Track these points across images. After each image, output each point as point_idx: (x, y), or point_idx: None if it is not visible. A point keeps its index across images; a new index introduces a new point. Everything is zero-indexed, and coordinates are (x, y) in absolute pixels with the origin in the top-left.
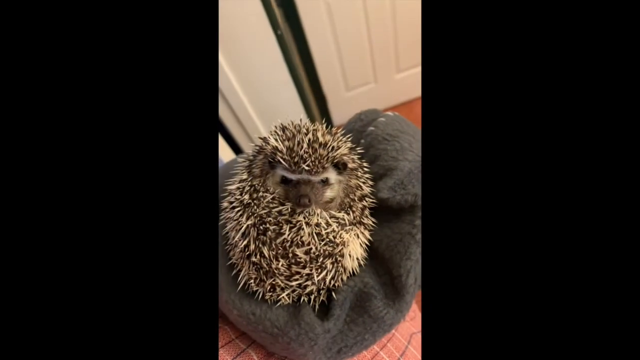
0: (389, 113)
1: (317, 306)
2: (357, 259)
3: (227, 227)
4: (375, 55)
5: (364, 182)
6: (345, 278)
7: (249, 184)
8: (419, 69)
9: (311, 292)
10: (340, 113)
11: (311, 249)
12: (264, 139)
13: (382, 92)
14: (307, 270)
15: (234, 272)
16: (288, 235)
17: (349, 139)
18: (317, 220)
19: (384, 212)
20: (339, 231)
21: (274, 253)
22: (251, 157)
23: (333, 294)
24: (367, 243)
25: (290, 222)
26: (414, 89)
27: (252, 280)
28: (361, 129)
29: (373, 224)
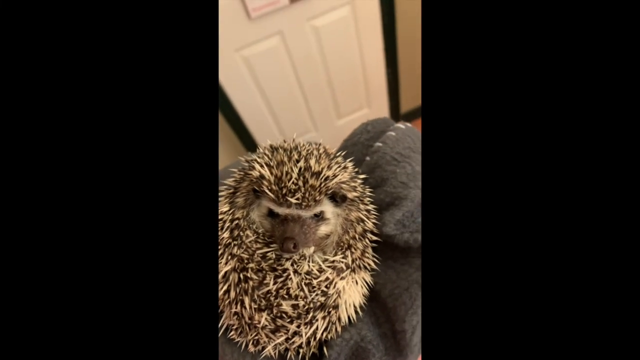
0: (401, 125)
1: None
2: (354, 306)
3: None
4: (312, 105)
5: (366, 215)
6: (339, 328)
7: (230, 217)
8: (359, 114)
9: (300, 346)
10: None
11: (299, 303)
12: (250, 162)
13: (324, 140)
14: (294, 326)
15: None
16: (272, 286)
17: (351, 160)
18: (308, 267)
19: (389, 248)
20: (333, 279)
21: (256, 306)
22: (235, 185)
23: (325, 348)
24: (368, 288)
25: (276, 270)
26: None
27: (233, 331)
28: (367, 143)
29: (375, 262)
